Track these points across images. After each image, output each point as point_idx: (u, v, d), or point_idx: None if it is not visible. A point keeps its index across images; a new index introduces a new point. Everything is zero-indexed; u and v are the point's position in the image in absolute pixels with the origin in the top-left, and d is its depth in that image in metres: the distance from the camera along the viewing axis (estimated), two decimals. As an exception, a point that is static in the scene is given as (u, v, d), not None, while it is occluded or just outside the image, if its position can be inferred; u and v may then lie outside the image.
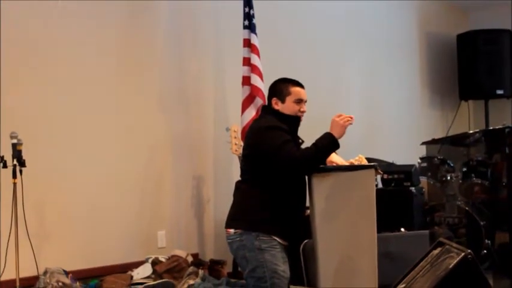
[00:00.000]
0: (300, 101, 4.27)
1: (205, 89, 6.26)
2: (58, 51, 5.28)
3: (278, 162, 4.00)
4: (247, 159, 4.22)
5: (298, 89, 4.31)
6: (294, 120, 4.25)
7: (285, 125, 4.14)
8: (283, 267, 4.08)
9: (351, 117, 4.16)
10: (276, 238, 4.09)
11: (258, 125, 4.23)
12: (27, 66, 5.14)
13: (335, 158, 4.32)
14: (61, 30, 5.32)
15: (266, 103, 4.45)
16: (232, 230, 4.16)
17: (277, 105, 4.27)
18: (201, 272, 4.94)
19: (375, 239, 4.11)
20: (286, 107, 4.25)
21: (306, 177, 4.22)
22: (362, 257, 4.10)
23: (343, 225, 4.11)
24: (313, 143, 4.08)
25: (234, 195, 4.32)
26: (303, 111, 4.28)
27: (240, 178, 4.35)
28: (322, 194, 4.13)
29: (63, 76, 5.33)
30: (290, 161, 3.99)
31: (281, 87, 4.30)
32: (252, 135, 4.21)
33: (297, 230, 4.28)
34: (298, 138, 4.36)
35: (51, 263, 5.04)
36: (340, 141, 4.10)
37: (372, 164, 4.22)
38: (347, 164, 4.30)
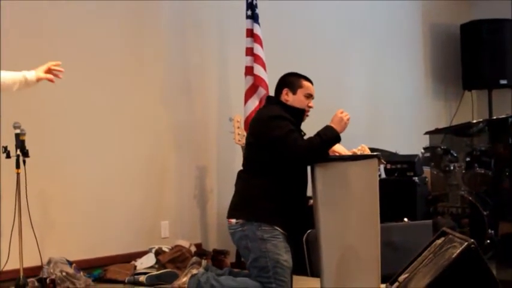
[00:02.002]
0: (309, 96, 4.33)
1: (208, 79, 6.26)
2: (61, 41, 5.28)
3: (283, 151, 4.02)
4: (251, 148, 4.24)
5: (309, 84, 4.39)
6: (299, 113, 4.27)
7: (289, 116, 4.16)
8: (286, 257, 4.08)
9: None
10: (277, 228, 4.09)
11: (263, 114, 4.25)
12: (30, 55, 5.14)
13: (337, 148, 4.33)
14: (65, 20, 5.32)
15: (269, 94, 4.47)
16: (234, 220, 4.17)
17: (288, 96, 4.30)
18: (204, 262, 4.92)
19: (378, 229, 4.11)
20: (296, 99, 4.30)
21: (309, 168, 4.23)
22: (365, 247, 4.10)
23: (346, 215, 4.11)
24: (317, 134, 4.09)
25: (236, 184, 4.33)
26: (311, 107, 4.34)
27: (242, 168, 4.36)
28: (325, 184, 4.14)
29: (67, 67, 5.32)
30: (295, 149, 4.02)
31: (293, 80, 4.36)
32: (257, 124, 4.22)
33: (298, 220, 4.29)
34: (301, 131, 4.36)
35: (55, 253, 5.06)
36: (344, 131, 4.13)
37: (375, 153, 4.23)
38: (350, 153, 4.30)
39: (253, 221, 4.09)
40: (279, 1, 6.78)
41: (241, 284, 4.12)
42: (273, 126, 4.07)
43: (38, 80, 4.12)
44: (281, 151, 4.03)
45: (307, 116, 4.35)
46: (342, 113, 4.17)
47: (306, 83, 4.35)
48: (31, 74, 4.05)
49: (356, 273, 4.09)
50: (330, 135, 4.08)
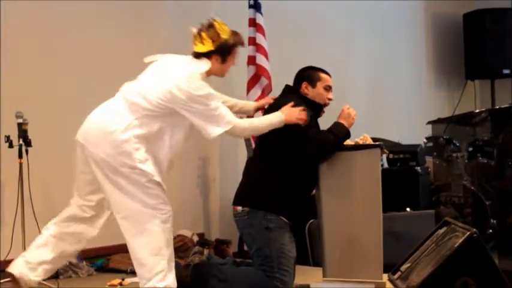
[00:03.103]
0: (329, 88, 4.36)
1: (211, 69, 6.24)
2: (62, 29, 5.28)
3: (300, 144, 4.03)
4: (267, 137, 4.16)
5: (327, 76, 4.43)
6: (317, 107, 4.26)
7: (312, 110, 4.19)
8: (290, 247, 4.09)
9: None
10: (283, 218, 4.09)
11: (281, 103, 4.20)
12: (31, 45, 5.14)
13: None
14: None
15: (271, 84, 4.46)
16: (240, 208, 4.17)
17: (307, 90, 4.33)
18: (206, 251, 4.94)
19: (381, 218, 4.11)
20: (316, 92, 4.32)
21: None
22: (368, 236, 4.11)
23: (349, 205, 4.12)
24: (330, 131, 4.14)
25: (244, 173, 4.33)
26: (330, 99, 4.36)
27: (248, 157, 4.37)
28: (327, 174, 4.15)
29: (69, 56, 5.32)
30: (312, 145, 4.06)
31: (311, 73, 4.39)
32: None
33: (301, 211, 4.30)
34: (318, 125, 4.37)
35: (58, 243, 5.06)
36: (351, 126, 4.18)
37: (377, 143, 4.23)
38: (352, 143, 4.30)
39: (259, 209, 4.09)
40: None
41: (243, 273, 4.12)
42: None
43: None
44: (297, 144, 4.06)
45: (324, 109, 4.34)
46: (348, 108, 4.18)
47: (324, 76, 4.38)
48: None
49: (358, 263, 4.11)
50: (342, 132, 4.13)
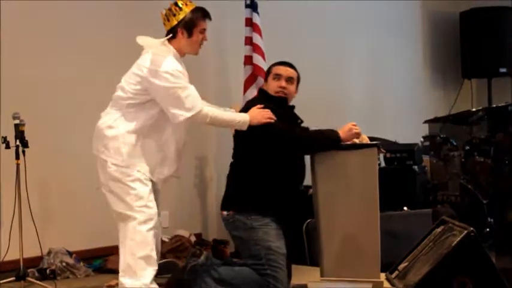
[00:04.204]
0: (277, 76, 4.29)
1: (207, 69, 6.24)
2: (60, 30, 5.28)
3: (271, 137, 4.06)
4: (240, 138, 4.25)
5: (278, 66, 4.37)
6: (278, 101, 4.25)
7: (271, 104, 4.18)
8: (278, 243, 4.07)
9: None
10: (267, 216, 4.09)
11: (250, 105, 4.26)
12: (29, 46, 5.14)
13: None
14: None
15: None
16: (225, 212, 4.20)
17: (265, 86, 4.37)
18: (204, 253, 4.95)
19: (378, 218, 4.11)
20: (269, 86, 4.32)
21: (308, 157, 4.23)
22: (365, 236, 4.11)
23: (346, 204, 4.12)
24: (319, 130, 4.19)
25: (227, 176, 4.34)
26: (281, 87, 4.27)
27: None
28: (324, 173, 4.15)
29: (66, 57, 5.32)
30: (282, 135, 4.09)
31: (267, 69, 4.43)
32: None
33: (293, 208, 4.29)
34: (297, 118, 4.36)
35: (55, 243, 5.07)
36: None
37: (374, 142, 4.22)
38: (349, 143, 4.29)
39: (243, 211, 4.11)
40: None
41: (239, 273, 4.13)
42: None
43: None
44: (269, 137, 4.08)
45: (284, 96, 4.29)
46: (354, 125, 4.15)
47: (274, 67, 4.37)
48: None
49: (356, 262, 4.10)
50: (331, 135, 4.13)
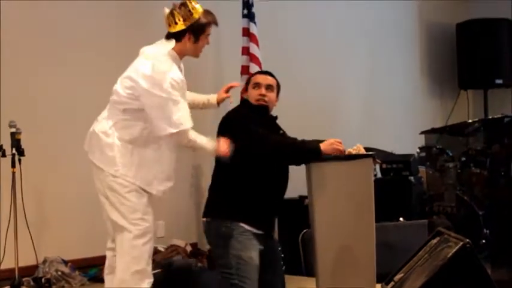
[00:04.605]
0: (257, 85, 4.26)
1: (204, 79, 6.24)
2: (58, 39, 5.28)
3: (249, 143, 4.02)
4: None
5: (256, 75, 4.38)
6: (259, 109, 4.24)
7: (252, 113, 4.18)
8: (250, 254, 4.00)
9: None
10: (243, 225, 4.05)
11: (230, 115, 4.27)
12: (26, 54, 5.14)
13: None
14: (64, 20, 5.33)
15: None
16: (204, 219, 4.19)
17: (246, 95, 4.33)
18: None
19: (373, 228, 4.11)
20: (249, 95, 4.28)
21: (304, 167, 4.22)
22: (360, 247, 4.10)
23: (341, 215, 4.11)
24: (303, 140, 4.15)
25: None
26: (261, 94, 4.23)
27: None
28: (320, 184, 4.13)
29: (63, 65, 5.32)
30: (261, 142, 4.04)
31: (247, 80, 4.41)
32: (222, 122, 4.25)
33: (271, 219, 4.27)
34: (279, 128, 4.35)
35: (51, 252, 5.06)
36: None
37: (370, 153, 4.22)
38: (345, 153, 4.29)
39: (218, 218, 4.07)
40: (275, 0, 6.77)
41: (209, 279, 4.15)
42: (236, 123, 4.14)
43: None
44: (248, 143, 4.03)
45: (264, 104, 4.24)
46: (339, 142, 4.11)
47: (253, 77, 4.37)
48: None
49: (351, 273, 4.10)
50: (310, 145, 4.10)
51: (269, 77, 4.32)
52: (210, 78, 6.28)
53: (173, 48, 3.88)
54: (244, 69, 6.02)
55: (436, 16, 8.87)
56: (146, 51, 3.91)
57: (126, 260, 3.78)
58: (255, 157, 4.05)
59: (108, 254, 4.04)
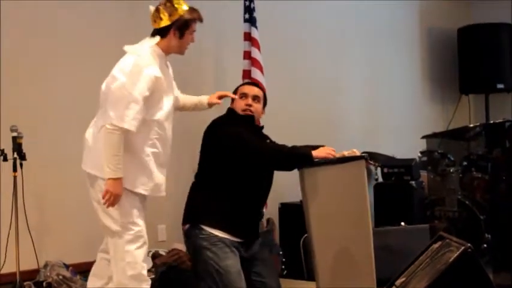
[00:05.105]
0: (243, 95, 4.31)
1: (206, 83, 6.25)
2: (59, 43, 5.28)
3: (241, 150, 4.06)
4: (203, 151, 4.29)
5: (243, 86, 4.44)
6: (245, 119, 4.26)
7: (238, 123, 4.21)
8: (227, 262, 4.02)
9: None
10: (217, 233, 4.06)
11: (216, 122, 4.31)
12: (27, 59, 5.14)
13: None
14: (64, 21, 5.33)
15: (266, 98, 4.45)
16: (182, 227, 4.23)
17: (233, 105, 4.35)
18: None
19: (370, 231, 4.11)
20: (236, 105, 4.32)
21: (296, 172, 4.21)
22: (358, 249, 4.10)
23: (337, 218, 4.10)
24: (293, 146, 4.16)
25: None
26: (247, 104, 4.27)
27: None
28: (313, 188, 4.12)
29: (64, 69, 5.33)
30: (252, 148, 4.08)
31: (234, 91, 4.42)
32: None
33: (253, 226, 4.27)
34: (266, 138, 4.36)
35: (52, 256, 5.06)
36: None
37: (362, 154, 4.20)
38: (339, 155, 4.27)
39: (195, 223, 4.11)
40: (276, 4, 6.78)
41: (196, 284, 4.15)
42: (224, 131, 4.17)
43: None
44: (239, 150, 4.07)
45: (251, 114, 4.27)
46: (332, 150, 4.12)
47: (240, 87, 4.41)
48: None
49: (351, 277, 4.09)
50: (302, 150, 4.12)
51: (256, 88, 4.38)
52: (211, 82, 6.29)
53: (158, 45, 3.90)
54: (246, 74, 6.02)
55: (438, 21, 8.88)
56: (130, 48, 3.92)
57: (121, 265, 3.78)
58: (240, 163, 4.06)
59: (98, 255, 4.07)
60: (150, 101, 3.77)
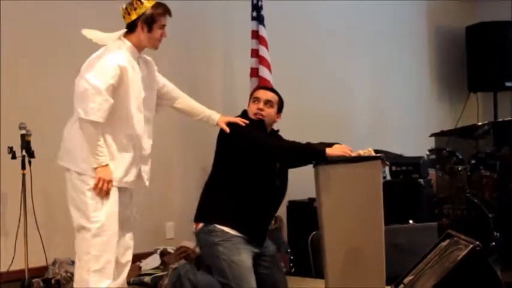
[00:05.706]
0: (256, 100, 4.35)
1: (214, 81, 6.26)
2: (66, 41, 5.29)
3: (251, 145, 4.13)
4: (218, 149, 4.34)
5: (258, 90, 4.50)
6: (256, 123, 4.29)
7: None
8: (241, 257, 4.06)
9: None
10: (230, 231, 4.09)
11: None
12: (34, 56, 5.15)
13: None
14: (65, 21, 5.34)
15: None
16: (194, 226, 4.26)
17: (248, 109, 4.40)
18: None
19: (382, 230, 4.11)
20: (249, 109, 4.37)
21: (312, 169, 4.22)
22: (369, 248, 4.10)
23: (350, 217, 4.11)
24: (307, 142, 4.20)
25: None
26: (258, 108, 4.31)
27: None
28: (328, 186, 4.13)
29: (71, 66, 5.33)
30: (261, 144, 4.15)
31: (250, 94, 4.51)
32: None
33: (262, 227, 4.29)
34: (280, 140, 4.40)
35: (60, 253, 5.07)
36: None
37: (378, 155, 4.21)
38: (354, 155, 4.28)
39: (207, 222, 4.15)
40: (284, 2, 6.78)
41: (209, 281, 4.16)
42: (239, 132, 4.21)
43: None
44: (249, 146, 4.13)
45: (261, 118, 4.31)
46: (348, 149, 4.14)
47: (254, 91, 4.48)
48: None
49: (361, 275, 4.09)
50: (313, 146, 4.15)
51: (270, 93, 4.41)
52: (219, 80, 6.30)
53: (129, 40, 3.93)
54: (253, 72, 6.02)
55: (446, 19, 8.87)
56: (94, 37, 3.97)
57: (85, 260, 3.78)
58: (254, 160, 4.08)
59: None
60: (119, 91, 3.79)
